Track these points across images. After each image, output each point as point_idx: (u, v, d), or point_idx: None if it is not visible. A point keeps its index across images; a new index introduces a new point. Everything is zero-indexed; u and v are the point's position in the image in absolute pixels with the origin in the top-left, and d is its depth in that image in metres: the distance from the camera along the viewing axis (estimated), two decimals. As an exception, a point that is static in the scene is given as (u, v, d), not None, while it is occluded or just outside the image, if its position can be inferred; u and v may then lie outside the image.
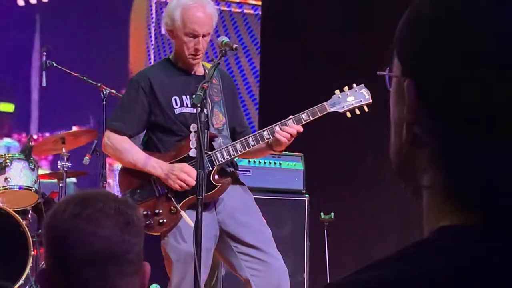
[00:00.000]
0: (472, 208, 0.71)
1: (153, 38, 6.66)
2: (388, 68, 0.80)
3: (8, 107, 5.35)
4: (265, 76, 6.78)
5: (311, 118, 3.40)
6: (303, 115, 3.40)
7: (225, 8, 6.94)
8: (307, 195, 4.88)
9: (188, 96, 3.43)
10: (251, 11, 7.12)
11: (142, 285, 1.48)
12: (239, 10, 7.11)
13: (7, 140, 6.08)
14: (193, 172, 3.32)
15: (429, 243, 0.71)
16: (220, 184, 3.38)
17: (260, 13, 7.05)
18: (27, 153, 4.89)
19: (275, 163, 4.90)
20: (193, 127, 3.36)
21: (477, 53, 0.70)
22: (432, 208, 0.75)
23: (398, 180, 0.80)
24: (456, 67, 0.71)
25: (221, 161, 3.38)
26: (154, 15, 6.74)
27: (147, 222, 3.31)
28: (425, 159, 0.74)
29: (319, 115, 3.41)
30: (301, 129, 3.37)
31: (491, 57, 0.70)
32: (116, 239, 1.42)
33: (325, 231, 5.13)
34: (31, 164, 4.87)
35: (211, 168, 3.33)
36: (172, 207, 3.35)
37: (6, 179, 4.75)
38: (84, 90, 5.59)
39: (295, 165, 4.95)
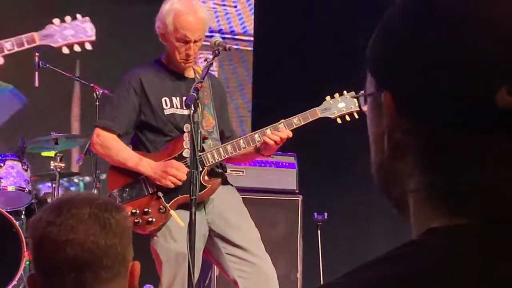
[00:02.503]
0: (458, 209, 0.72)
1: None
2: (362, 91, 0.82)
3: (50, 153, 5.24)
4: (258, 84, 6.76)
5: (302, 123, 3.44)
6: (294, 120, 3.43)
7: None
8: (300, 195, 4.88)
9: (178, 98, 3.45)
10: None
11: (132, 286, 1.47)
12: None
13: None
14: (182, 166, 3.33)
15: (417, 244, 0.72)
16: (210, 185, 3.40)
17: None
18: (20, 154, 4.89)
19: (268, 163, 4.90)
20: (186, 127, 3.37)
21: (445, 57, 0.72)
22: (419, 212, 0.75)
23: (381, 196, 0.81)
24: (428, 72, 0.72)
25: (212, 162, 3.39)
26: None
27: (135, 221, 3.31)
28: (408, 165, 0.75)
29: (310, 119, 3.46)
30: (290, 134, 3.40)
31: (458, 60, 0.71)
32: (89, 245, 1.41)
33: (319, 231, 5.14)
34: (24, 165, 4.86)
35: (201, 169, 3.34)
36: (161, 206, 3.36)
37: (-1, 180, 4.75)
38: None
39: (288, 165, 4.96)
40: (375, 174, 0.81)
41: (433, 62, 0.72)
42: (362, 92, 0.82)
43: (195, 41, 3.38)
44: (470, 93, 0.70)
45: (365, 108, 0.83)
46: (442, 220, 0.72)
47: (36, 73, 4.86)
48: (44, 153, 5.19)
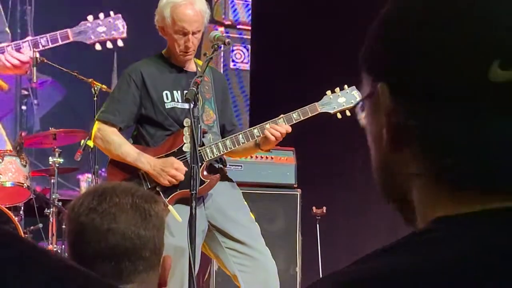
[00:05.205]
0: (464, 190, 0.71)
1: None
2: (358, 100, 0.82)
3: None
4: (256, 80, 6.76)
5: (302, 118, 3.45)
6: (293, 115, 3.44)
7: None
8: (299, 189, 4.89)
9: (179, 92, 3.45)
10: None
11: (162, 279, 1.47)
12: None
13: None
14: (181, 166, 3.34)
15: (426, 234, 0.71)
16: (208, 180, 3.40)
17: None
18: (18, 149, 4.88)
19: (266, 158, 4.91)
20: (186, 121, 3.38)
21: (439, 38, 0.72)
22: (424, 197, 0.75)
23: (383, 198, 0.80)
24: (423, 54, 0.73)
25: (211, 157, 3.40)
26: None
27: None
28: (410, 150, 0.74)
29: (310, 115, 3.46)
30: (290, 129, 3.42)
31: (452, 40, 0.72)
32: (131, 235, 1.42)
33: (317, 225, 5.15)
34: (22, 160, 4.86)
35: (200, 164, 3.35)
36: None
37: (-3, 175, 4.74)
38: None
39: (287, 159, 4.96)
40: (375, 173, 0.81)
41: (426, 45, 0.73)
42: (359, 99, 0.82)
43: (193, 33, 3.39)
44: (466, 71, 0.71)
45: (362, 117, 0.82)
46: (448, 204, 0.72)
47: (34, 68, 4.86)
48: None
